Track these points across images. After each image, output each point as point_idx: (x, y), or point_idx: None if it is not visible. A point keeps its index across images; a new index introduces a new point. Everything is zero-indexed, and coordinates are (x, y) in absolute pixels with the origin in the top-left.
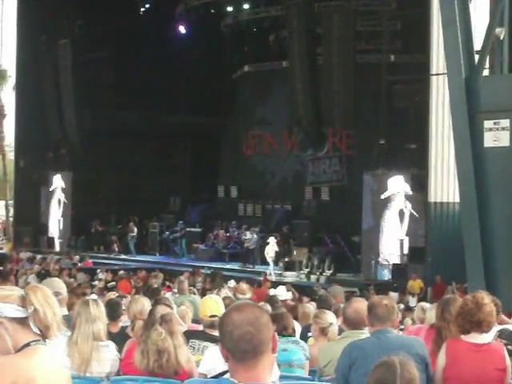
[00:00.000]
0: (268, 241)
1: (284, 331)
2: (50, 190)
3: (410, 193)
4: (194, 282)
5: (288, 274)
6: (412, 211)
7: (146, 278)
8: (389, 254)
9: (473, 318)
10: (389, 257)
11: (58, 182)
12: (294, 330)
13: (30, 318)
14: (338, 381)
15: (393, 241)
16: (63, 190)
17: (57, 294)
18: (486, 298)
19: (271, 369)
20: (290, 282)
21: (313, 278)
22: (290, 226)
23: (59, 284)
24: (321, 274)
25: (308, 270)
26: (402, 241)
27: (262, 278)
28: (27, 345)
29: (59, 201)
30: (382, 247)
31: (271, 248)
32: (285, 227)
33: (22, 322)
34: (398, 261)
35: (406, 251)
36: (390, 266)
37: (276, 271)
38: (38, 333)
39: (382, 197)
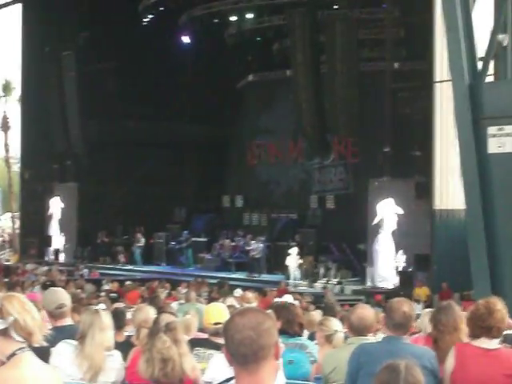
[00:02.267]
0: (289, 252)
1: (290, 329)
2: (48, 213)
3: (402, 213)
4: (200, 291)
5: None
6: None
7: (155, 288)
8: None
9: (483, 324)
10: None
11: (55, 203)
12: (301, 328)
13: (11, 327)
14: (346, 383)
15: (387, 264)
16: (62, 209)
17: (61, 305)
18: (499, 304)
19: (275, 375)
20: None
21: (319, 286)
22: (300, 235)
23: (63, 295)
24: (327, 282)
25: (314, 278)
26: (397, 266)
27: (276, 289)
28: (13, 354)
29: (59, 221)
30: (378, 270)
31: (293, 259)
32: (297, 236)
33: (3, 332)
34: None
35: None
36: (397, 274)
37: (297, 282)
38: (22, 341)
39: (373, 223)
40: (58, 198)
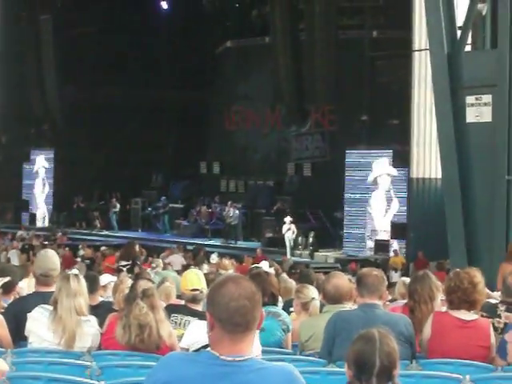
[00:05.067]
0: (284, 220)
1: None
2: (34, 171)
3: (395, 174)
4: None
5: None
6: (393, 195)
7: None
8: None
9: (469, 298)
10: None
11: (40, 162)
12: (273, 297)
13: None
14: (322, 350)
15: (379, 222)
16: (46, 169)
17: (52, 270)
18: (479, 276)
19: (252, 344)
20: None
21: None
22: (282, 202)
23: (55, 258)
24: (304, 249)
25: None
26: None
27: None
28: None
29: (43, 181)
30: (368, 227)
31: (287, 227)
32: (279, 203)
33: None
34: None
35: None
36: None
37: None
38: None
39: (368, 180)
40: (43, 156)
